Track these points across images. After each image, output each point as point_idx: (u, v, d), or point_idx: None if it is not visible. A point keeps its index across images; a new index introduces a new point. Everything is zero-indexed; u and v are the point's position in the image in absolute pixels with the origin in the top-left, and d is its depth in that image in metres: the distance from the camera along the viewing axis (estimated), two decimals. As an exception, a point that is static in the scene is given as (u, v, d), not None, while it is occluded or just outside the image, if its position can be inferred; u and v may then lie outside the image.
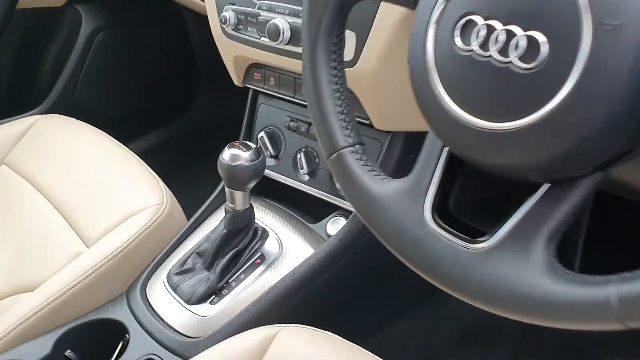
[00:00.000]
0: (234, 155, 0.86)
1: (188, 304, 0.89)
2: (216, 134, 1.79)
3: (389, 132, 0.87)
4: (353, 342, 0.75)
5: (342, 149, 0.57)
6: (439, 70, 0.48)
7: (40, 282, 0.97)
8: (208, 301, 0.89)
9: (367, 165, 0.56)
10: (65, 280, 0.92)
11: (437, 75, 0.48)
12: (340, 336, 0.76)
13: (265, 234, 0.95)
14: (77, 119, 1.30)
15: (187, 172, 1.68)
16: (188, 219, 1.06)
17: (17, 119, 1.38)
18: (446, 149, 0.52)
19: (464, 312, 1.10)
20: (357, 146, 0.57)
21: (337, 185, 0.93)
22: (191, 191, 1.32)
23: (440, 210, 0.51)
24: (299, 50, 0.87)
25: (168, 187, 1.08)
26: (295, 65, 0.90)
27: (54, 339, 0.87)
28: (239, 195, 0.89)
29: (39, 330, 0.89)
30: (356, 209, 0.56)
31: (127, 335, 0.89)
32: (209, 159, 1.75)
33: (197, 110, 1.78)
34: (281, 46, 0.86)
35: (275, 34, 0.84)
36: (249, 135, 1.06)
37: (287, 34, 0.85)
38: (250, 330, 0.77)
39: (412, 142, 0.88)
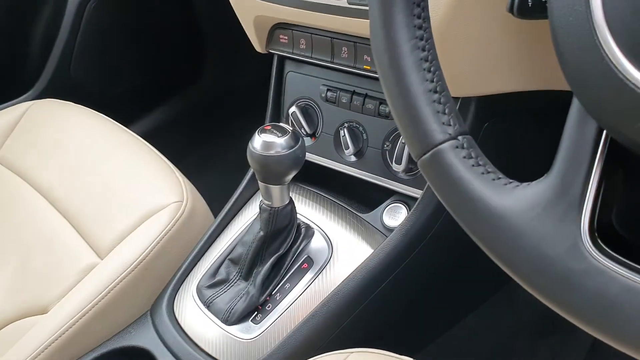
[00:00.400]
0: (267, 142, 0.69)
1: (226, 324, 0.74)
2: (228, 107, 1.63)
3: (457, 97, 0.69)
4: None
5: (440, 143, 0.40)
6: (610, 19, 0.31)
7: (49, 302, 0.84)
8: (250, 319, 0.74)
9: (480, 165, 0.39)
10: (80, 302, 0.79)
11: (606, 28, 0.31)
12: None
13: (309, 231, 0.79)
14: (73, 101, 1.14)
15: (198, 152, 1.53)
16: (214, 210, 0.90)
17: (5, 106, 1.22)
18: (604, 136, 0.35)
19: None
20: (460, 138, 0.40)
21: (395, 167, 0.76)
22: (206, 174, 1.17)
23: (603, 229, 0.35)
24: (337, 2, 0.69)
25: (179, 170, 0.93)
26: (334, 22, 0.72)
27: (71, 375, 0.74)
28: (276, 190, 0.72)
29: (52, 366, 0.75)
30: (469, 229, 0.39)
31: (156, 366, 0.74)
32: (222, 136, 1.60)
33: (205, 81, 1.60)
34: (317, 0, 0.68)
35: (308, -16, 0.66)
36: (277, 112, 0.89)
37: (324, -16, 0.66)
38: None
39: (485, 109, 0.70)
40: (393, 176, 0.78)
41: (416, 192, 0.76)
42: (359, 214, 0.81)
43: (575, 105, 0.36)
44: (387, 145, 0.78)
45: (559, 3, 0.34)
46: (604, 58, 0.31)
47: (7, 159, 1.07)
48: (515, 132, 0.75)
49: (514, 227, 0.36)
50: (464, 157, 0.39)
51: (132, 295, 0.80)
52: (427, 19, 0.41)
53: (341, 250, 0.77)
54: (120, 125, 1.05)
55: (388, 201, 0.80)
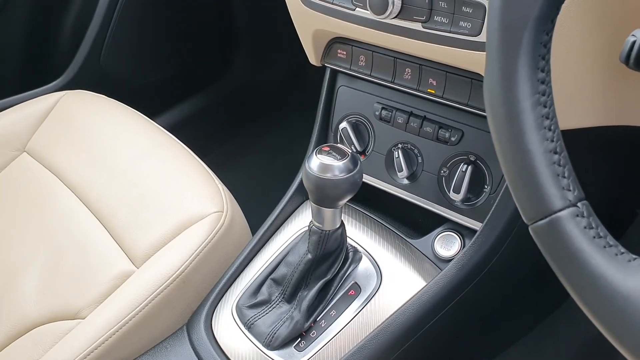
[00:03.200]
0: (324, 165, 0.66)
1: (268, 348, 0.72)
2: (255, 103, 1.60)
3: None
4: None
5: (559, 210, 0.37)
6: None
7: (81, 308, 0.82)
8: (293, 346, 0.72)
9: (601, 237, 0.36)
10: (117, 313, 0.76)
11: None
12: None
13: (357, 255, 0.76)
14: (103, 90, 1.12)
15: (222, 147, 1.51)
16: (245, 212, 0.87)
17: (35, 93, 1.19)
18: None
19: (580, 332, 0.94)
20: (580, 204, 0.37)
21: (452, 196, 0.73)
22: (230, 171, 1.14)
23: None
24: (410, 25, 0.66)
25: (205, 164, 0.90)
26: (401, 44, 0.68)
27: (105, 392, 0.71)
28: (329, 213, 0.69)
29: (87, 379, 0.73)
30: (588, 308, 0.37)
31: (193, 385, 0.72)
32: (247, 131, 1.58)
33: (233, 76, 1.57)
34: (387, 20, 0.65)
35: (381, 5, 0.63)
36: (326, 126, 0.86)
37: (398, 5, 0.63)
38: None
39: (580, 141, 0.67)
40: (448, 204, 0.75)
41: (473, 224, 0.73)
42: (408, 240, 0.78)
43: None
44: (444, 172, 0.75)
45: None
46: None
47: (36, 151, 1.04)
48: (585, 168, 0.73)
49: (642, 311, 0.33)
50: (585, 227, 0.36)
51: (168, 309, 0.77)
52: (549, 72, 0.38)
53: (390, 278, 0.74)
54: (154, 122, 1.02)
55: (440, 229, 0.77)
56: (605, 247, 0.36)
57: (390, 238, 0.79)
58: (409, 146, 0.78)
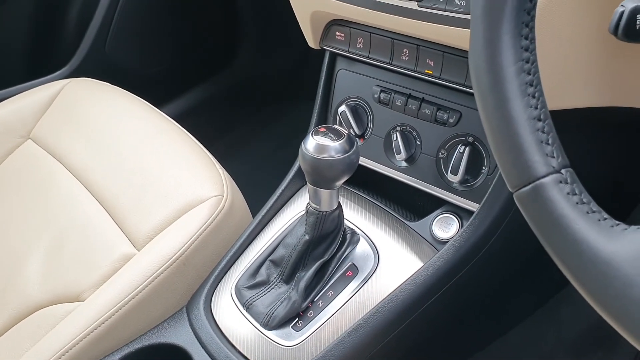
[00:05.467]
0: (320, 145, 0.66)
1: (265, 328, 0.72)
2: (260, 93, 1.61)
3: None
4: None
5: (543, 177, 0.37)
6: None
7: (83, 290, 0.83)
8: (290, 325, 0.72)
9: (584, 203, 0.36)
10: (117, 294, 0.77)
11: None
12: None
13: (355, 237, 0.77)
14: (108, 79, 1.12)
15: (227, 136, 1.51)
16: (247, 198, 0.88)
17: (40, 82, 1.20)
18: None
19: (581, 317, 0.93)
20: (564, 171, 0.37)
21: (450, 177, 0.73)
22: (234, 160, 1.15)
23: None
24: (406, 4, 0.66)
25: (210, 153, 0.91)
26: (399, 24, 0.68)
27: (105, 370, 0.72)
28: (325, 194, 0.70)
29: (88, 357, 0.74)
30: (571, 272, 0.37)
31: (191, 365, 0.73)
32: (251, 121, 1.58)
33: (240, 66, 1.57)
34: (383, 0, 0.65)
35: (377, -17, 0.63)
36: (325, 109, 0.86)
37: (393, -17, 0.63)
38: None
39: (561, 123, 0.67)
40: (446, 186, 0.75)
41: (471, 205, 0.73)
42: (406, 222, 0.78)
43: None
44: (442, 154, 0.75)
45: None
46: None
47: (40, 138, 1.05)
48: (584, 149, 0.72)
49: (625, 275, 0.33)
50: (568, 194, 0.36)
51: (168, 290, 0.78)
52: (533, 40, 0.38)
53: (387, 259, 0.74)
54: (157, 109, 1.03)
55: (438, 211, 0.77)
56: (588, 212, 0.36)
57: (388, 220, 0.79)
58: (408, 129, 0.78)
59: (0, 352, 0.82)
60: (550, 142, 0.37)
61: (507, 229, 0.70)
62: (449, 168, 0.74)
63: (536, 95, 0.37)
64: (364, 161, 0.82)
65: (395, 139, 0.78)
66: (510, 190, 0.39)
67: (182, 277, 0.79)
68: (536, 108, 0.37)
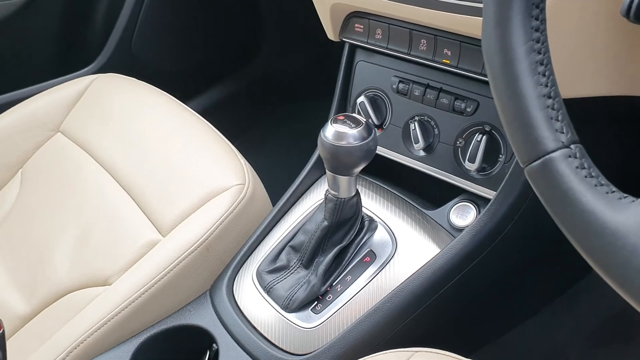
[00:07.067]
0: (339, 132, 0.68)
1: (285, 310, 0.74)
2: (281, 88, 1.63)
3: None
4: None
5: (552, 151, 0.38)
6: None
7: (110, 275, 0.86)
8: (309, 308, 0.74)
9: (593, 177, 0.37)
10: (142, 278, 0.80)
11: None
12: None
13: (373, 224, 0.78)
14: (134, 76, 1.16)
15: (249, 132, 1.54)
16: (268, 189, 0.90)
17: (69, 78, 1.24)
18: None
19: (600, 308, 0.93)
20: (573, 146, 0.38)
21: (468, 165, 0.75)
22: (258, 152, 1.17)
23: None
24: (424, -6, 0.67)
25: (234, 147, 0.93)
26: (415, 14, 0.70)
27: (131, 349, 0.76)
28: (344, 180, 0.72)
29: (114, 338, 0.78)
30: (578, 243, 0.38)
31: (214, 346, 0.75)
32: (275, 117, 1.61)
33: (262, 62, 1.60)
34: (401, -11, 0.67)
35: (395, -27, 0.64)
36: (345, 100, 0.88)
37: (411, -26, 0.65)
38: (372, 356, 0.62)
39: (586, 112, 0.67)
40: (464, 174, 0.77)
41: (488, 193, 0.74)
42: (424, 210, 0.80)
43: None
44: (460, 142, 0.77)
45: None
46: None
47: (70, 131, 1.08)
48: (600, 139, 0.73)
49: (631, 244, 0.35)
50: (577, 167, 0.37)
51: (192, 275, 0.81)
52: (544, 20, 0.40)
53: (405, 246, 0.76)
54: (182, 103, 1.06)
55: (456, 199, 0.78)
56: (596, 185, 0.37)
57: (406, 209, 0.80)
58: (426, 118, 0.79)
59: (31, 333, 0.86)
60: (559, 118, 0.38)
61: (524, 216, 0.71)
62: (466, 156, 0.75)
63: (546, 73, 0.39)
64: (382, 151, 0.84)
65: (413, 128, 0.79)
66: (521, 165, 0.40)
67: (205, 262, 0.82)
68: (546, 86, 0.39)
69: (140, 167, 0.95)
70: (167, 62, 1.46)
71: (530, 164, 0.39)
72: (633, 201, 0.36)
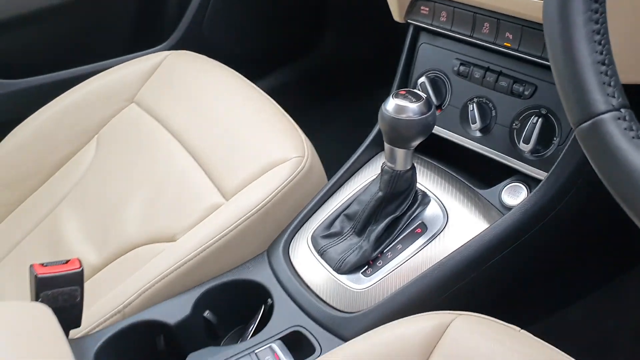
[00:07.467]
0: (399, 106, 0.72)
1: (337, 272, 0.79)
2: (345, 74, 1.67)
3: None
4: (520, 326, 0.63)
5: (602, 113, 0.41)
6: None
7: (176, 233, 0.92)
8: (360, 272, 0.78)
9: (640, 137, 0.40)
10: (206, 235, 0.86)
11: None
12: (509, 319, 0.64)
13: (426, 198, 0.82)
14: (204, 55, 1.21)
15: (316, 112, 1.59)
16: (325, 168, 0.95)
17: (144, 53, 1.32)
18: None
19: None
20: (623, 110, 0.41)
21: (522, 146, 0.77)
22: (321, 130, 1.21)
23: None
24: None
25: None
26: (480, -3, 0.73)
27: (193, 298, 0.81)
28: (401, 153, 0.75)
29: (179, 287, 0.84)
30: (624, 200, 0.41)
31: (269, 300, 0.80)
32: (336, 103, 1.65)
33: (325, 48, 1.65)
34: (468, -27, 0.70)
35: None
36: (406, 80, 0.91)
37: (478, -43, 0.68)
38: (417, 315, 0.66)
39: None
40: (518, 155, 0.79)
41: (540, 174, 0.77)
42: (476, 190, 0.83)
43: None
44: (516, 124, 0.79)
45: None
46: None
47: (143, 102, 1.16)
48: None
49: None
50: (625, 129, 0.40)
51: (251, 236, 0.86)
52: (604, -4, 0.42)
53: (456, 220, 0.79)
54: (247, 80, 1.12)
55: (508, 180, 0.81)
56: (646, 146, 0.40)
57: (460, 186, 0.83)
58: (484, 100, 0.82)
59: (101, 281, 0.93)
60: (612, 84, 0.41)
61: (574, 198, 0.73)
62: (521, 138, 0.77)
63: (602, 42, 0.42)
64: (439, 131, 0.87)
65: (471, 109, 0.82)
66: (572, 127, 0.43)
67: (263, 226, 0.87)
68: (601, 54, 0.42)
69: (208, 137, 1.02)
70: (234, 43, 1.52)
71: (582, 124, 0.42)
72: None
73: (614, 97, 0.41)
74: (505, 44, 0.76)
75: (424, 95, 0.73)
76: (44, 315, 0.66)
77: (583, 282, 0.93)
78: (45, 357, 0.60)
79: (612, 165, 0.40)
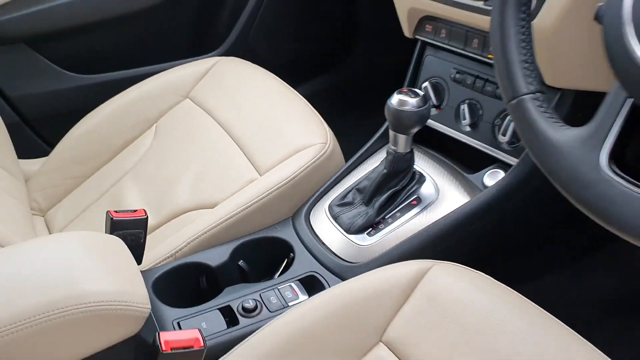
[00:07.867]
0: (401, 100, 0.92)
1: (347, 232, 0.98)
2: (375, 85, 1.85)
3: (559, 88, 0.87)
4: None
5: (523, 95, 0.60)
6: (635, 23, 0.50)
7: (218, 201, 1.10)
8: (365, 232, 0.97)
9: (547, 113, 0.59)
10: (241, 201, 1.04)
11: (631, 28, 0.50)
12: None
13: (422, 178, 1.01)
14: (249, 61, 1.41)
15: (344, 118, 1.77)
16: (346, 159, 1.13)
17: (198, 58, 1.53)
18: (629, 102, 0.54)
19: (607, 281, 1.08)
20: (538, 94, 0.60)
21: (500, 138, 0.96)
22: (348, 135, 1.40)
23: (617, 159, 0.54)
24: (476, 3, 0.90)
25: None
26: (470, 18, 0.93)
27: (230, 248, 1.00)
28: (402, 138, 0.95)
29: (219, 239, 1.01)
30: (532, 153, 0.60)
31: (292, 254, 1.00)
32: (365, 107, 1.83)
33: (357, 59, 1.83)
34: (462, 0, 0.90)
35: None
36: (413, 85, 1.11)
37: (468, -12, 0.88)
38: (405, 262, 0.84)
39: (582, 101, 0.87)
40: (498, 146, 0.98)
41: (515, 161, 0.95)
42: (464, 174, 1.01)
43: (615, 83, 0.55)
44: (498, 121, 0.98)
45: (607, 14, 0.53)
46: (625, 45, 0.50)
47: (196, 98, 1.35)
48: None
49: (562, 151, 0.56)
50: (537, 106, 0.59)
51: (280, 203, 1.04)
52: (529, 14, 0.62)
53: (445, 196, 0.98)
54: (285, 83, 1.32)
55: (490, 167, 0.99)
56: (549, 118, 0.58)
57: (451, 171, 1.02)
58: (474, 101, 1.01)
59: (155, 238, 1.13)
60: (532, 76, 0.60)
61: (539, 181, 0.90)
62: (500, 131, 0.96)
63: (527, 48, 0.61)
64: (437, 126, 1.06)
65: (463, 108, 1.01)
66: (505, 103, 0.62)
67: (290, 196, 1.06)
68: (525, 55, 0.61)
69: (248, 126, 1.21)
70: (275, 54, 1.73)
71: (511, 101, 0.61)
72: (568, 128, 0.57)
73: (532, 85, 0.60)
74: (489, 56, 0.95)
75: (421, 93, 0.92)
76: (119, 243, 0.85)
77: (552, 258, 1.10)
78: (121, 268, 0.79)
79: (529, 132, 0.59)
